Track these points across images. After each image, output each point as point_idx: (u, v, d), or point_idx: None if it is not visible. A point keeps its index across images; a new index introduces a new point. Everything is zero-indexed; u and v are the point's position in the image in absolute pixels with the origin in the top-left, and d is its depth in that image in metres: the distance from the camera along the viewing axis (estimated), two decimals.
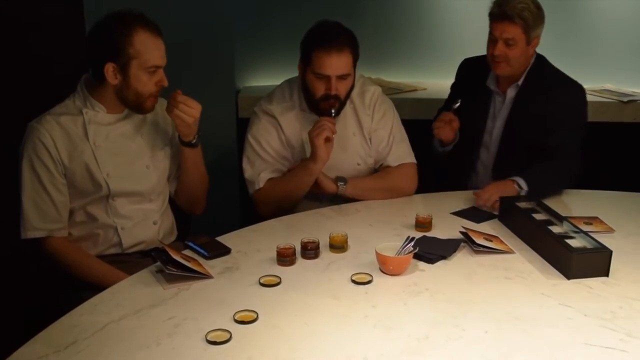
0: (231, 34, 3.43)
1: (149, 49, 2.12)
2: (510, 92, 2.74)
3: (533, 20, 2.57)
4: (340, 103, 2.45)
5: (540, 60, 2.74)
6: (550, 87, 2.69)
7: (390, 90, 3.62)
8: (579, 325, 1.73)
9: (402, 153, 2.61)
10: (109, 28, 2.11)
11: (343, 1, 3.75)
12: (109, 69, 2.11)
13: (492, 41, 2.63)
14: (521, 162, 2.63)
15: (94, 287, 2.01)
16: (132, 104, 2.20)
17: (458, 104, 2.67)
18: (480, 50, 3.84)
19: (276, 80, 3.66)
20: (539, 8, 2.60)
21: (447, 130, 2.71)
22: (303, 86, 2.49)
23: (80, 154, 2.16)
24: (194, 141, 2.30)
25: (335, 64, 2.36)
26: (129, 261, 2.24)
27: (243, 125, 3.38)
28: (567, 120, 2.66)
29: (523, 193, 2.49)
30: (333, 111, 2.42)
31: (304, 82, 2.47)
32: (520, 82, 2.71)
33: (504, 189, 2.49)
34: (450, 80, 3.89)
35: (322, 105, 2.43)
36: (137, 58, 2.11)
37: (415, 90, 3.75)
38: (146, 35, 2.12)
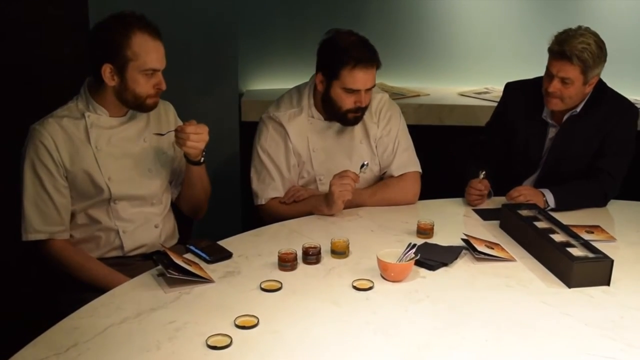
0: (235, 37, 3.43)
1: (146, 52, 2.11)
2: (566, 118, 2.65)
3: (593, 61, 2.46)
4: (363, 111, 2.49)
5: (600, 86, 2.63)
6: (608, 112, 2.62)
7: (393, 96, 3.61)
8: (580, 334, 1.73)
9: (405, 161, 2.60)
10: (108, 29, 2.11)
11: (346, 5, 3.76)
12: (106, 70, 2.11)
13: (548, 76, 2.54)
14: (564, 180, 2.62)
15: (95, 289, 2.01)
16: (132, 105, 2.19)
17: (484, 174, 2.53)
18: (484, 55, 3.89)
19: (280, 84, 3.69)
20: (600, 47, 2.48)
21: (481, 200, 2.59)
22: (325, 98, 2.47)
23: (81, 157, 2.16)
24: (202, 160, 2.30)
25: (367, 79, 2.40)
26: (131, 264, 2.24)
27: (246, 129, 3.40)
28: (621, 146, 2.63)
29: (548, 208, 2.50)
30: (367, 163, 2.44)
31: (327, 94, 2.46)
32: (578, 110, 2.62)
33: (533, 197, 2.49)
34: (454, 85, 3.93)
35: (349, 116, 2.47)
36: (134, 60, 2.10)
37: (419, 95, 3.75)
38: (144, 38, 2.11)
